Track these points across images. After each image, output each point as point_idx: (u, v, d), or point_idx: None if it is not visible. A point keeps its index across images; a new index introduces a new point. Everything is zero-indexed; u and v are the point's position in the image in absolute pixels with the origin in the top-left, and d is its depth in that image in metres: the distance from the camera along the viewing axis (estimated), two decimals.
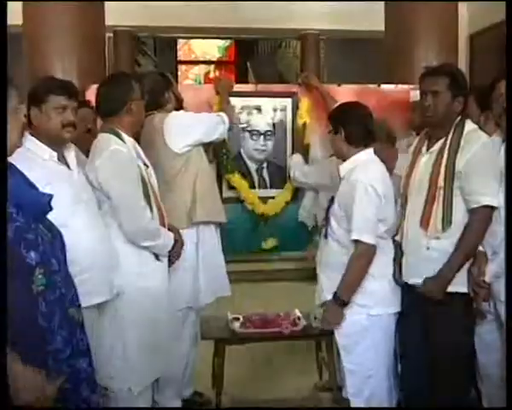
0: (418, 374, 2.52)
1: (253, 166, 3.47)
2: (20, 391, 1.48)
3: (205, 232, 2.97)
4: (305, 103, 3.45)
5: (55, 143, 2.34)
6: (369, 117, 2.53)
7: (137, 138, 2.76)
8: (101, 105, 2.61)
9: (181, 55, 11.44)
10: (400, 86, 3.66)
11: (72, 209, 2.30)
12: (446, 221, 2.37)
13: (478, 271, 2.41)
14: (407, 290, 2.50)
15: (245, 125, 3.43)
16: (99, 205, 2.49)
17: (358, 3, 7.43)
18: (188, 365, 3.08)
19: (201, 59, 11.55)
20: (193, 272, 2.93)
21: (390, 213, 2.50)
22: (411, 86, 3.44)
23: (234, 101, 3.30)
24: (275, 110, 3.48)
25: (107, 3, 4.53)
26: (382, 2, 4.93)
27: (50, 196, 1.72)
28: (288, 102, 3.48)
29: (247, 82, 7.26)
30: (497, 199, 2.34)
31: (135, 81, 2.63)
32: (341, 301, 2.44)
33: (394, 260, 2.52)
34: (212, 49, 11.47)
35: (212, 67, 11.58)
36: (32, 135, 2.31)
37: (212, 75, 11.31)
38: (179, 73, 11.25)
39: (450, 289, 2.39)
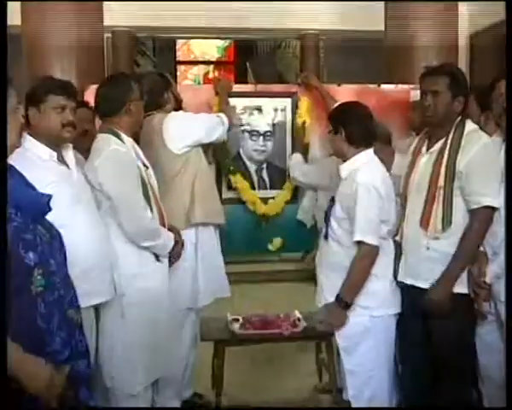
0: (418, 375, 2.52)
1: (252, 167, 3.47)
2: (28, 379, 1.48)
3: (204, 233, 2.97)
4: (304, 103, 3.44)
5: (55, 143, 2.34)
6: (370, 117, 2.52)
7: (136, 139, 2.76)
8: (101, 105, 2.61)
9: (180, 56, 11.43)
10: (400, 86, 3.66)
11: (72, 209, 2.30)
12: (446, 221, 2.37)
13: (478, 271, 2.41)
14: (407, 291, 2.50)
15: (244, 126, 3.43)
16: (98, 205, 2.49)
17: (358, 3, 7.42)
18: (187, 366, 3.07)
19: (200, 59, 11.55)
20: (192, 272, 2.92)
21: (391, 213, 2.49)
22: (411, 86, 3.44)
23: (233, 101, 3.29)
24: (274, 110, 3.47)
25: (105, 4, 4.52)
26: (382, 2, 4.92)
27: (49, 197, 1.72)
28: (287, 102, 3.47)
29: (246, 82, 7.23)
30: (498, 200, 2.33)
31: (134, 82, 2.64)
32: (344, 302, 2.43)
33: (396, 260, 2.52)
34: (211, 49, 11.47)
35: (212, 67, 11.57)
36: (31, 135, 2.30)
37: (211, 75, 11.31)
38: (178, 74, 11.24)
39: None
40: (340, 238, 2.47)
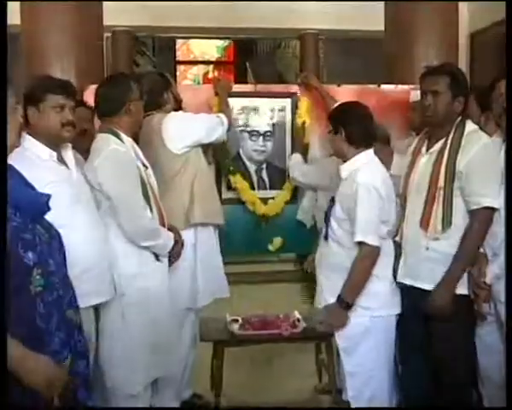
0: (418, 376, 2.52)
1: (252, 167, 3.46)
2: (29, 375, 1.49)
3: (203, 233, 2.96)
4: (304, 103, 3.44)
5: (54, 143, 2.33)
6: (370, 117, 2.52)
7: (136, 139, 2.75)
8: (100, 105, 2.61)
9: (179, 56, 11.41)
10: (400, 86, 3.65)
11: (72, 209, 2.29)
12: (446, 222, 2.37)
13: (478, 272, 2.41)
14: (406, 292, 2.49)
15: (244, 126, 3.42)
16: (97, 205, 2.48)
17: (358, 3, 7.42)
18: (186, 366, 3.07)
19: (200, 59, 11.52)
20: (191, 273, 2.92)
21: (392, 213, 2.49)
22: (411, 86, 3.43)
23: (233, 101, 3.28)
24: (274, 110, 3.47)
25: (105, 3, 4.51)
26: (382, 2, 4.91)
27: (48, 196, 1.72)
28: (287, 102, 3.47)
29: (246, 82, 7.21)
30: (498, 200, 2.33)
31: (133, 81, 2.64)
32: (346, 303, 2.42)
33: (395, 260, 2.51)
34: (210, 49, 11.44)
35: (211, 67, 11.56)
36: (30, 135, 2.29)
37: (210, 75, 11.29)
38: (178, 74, 11.22)
39: None
40: (340, 239, 2.47)
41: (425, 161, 2.49)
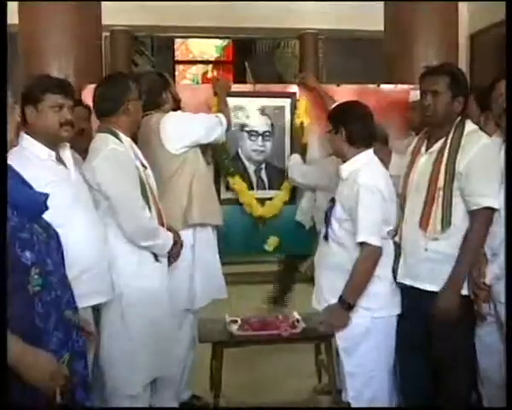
0: (418, 376, 2.51)
1: (251, 167, 3.45)
2: (29, 370, 1.48)
3: (201, 234, 2.96)
4: (303, 103, 3.43)
5: (53, 142, 2.32)
6: (370, 117, 2.51)
7: (135, 139, 2.75)
8: (99, 105, 2.61)
9: (178, 55, 11.40)
10: (400, 86, 3.64)
11: (71, 209, 2.29)
12: (446, 222, 2.36)
13: (478, 272, 2.40)
14: (406, 292, 2.49)
15: (243, 126, 3.41)
16: (96, 205, 2.48)
17: (357, 3, 7.41)
18: (185, 367, 3.07)
19: (199, 59, 11.51)
20: (189, 274, 2.91)
21: (393, 213, 2.48)
22: (411, 86, 3.42)
23: (232, 101, 3.27)
24: (273, 110, 3.45)
25: (103, 2, 4.50)
26: (382, 2, 4.91)
27: (46, 196, 1.72)
28: (286, 102, 3.46)
29: (245, 82, 7.21)
30: (498, 200, 2.32)
31: (132, 81, 2.64)
32: (348, 304, 2.41)
33: (395, 260, 2.51)
34: (209, 48, 11.43)
35: (210, 66, 11.55)
36: (28, 134, 2.29)
37: (209, 75, 11.29)
38: (177, 73, 11.21)
39: None
40: (340, 239, 2.46)
41: (424, 161, 2.48)
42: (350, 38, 8.38)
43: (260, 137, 3.45)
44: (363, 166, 2.44)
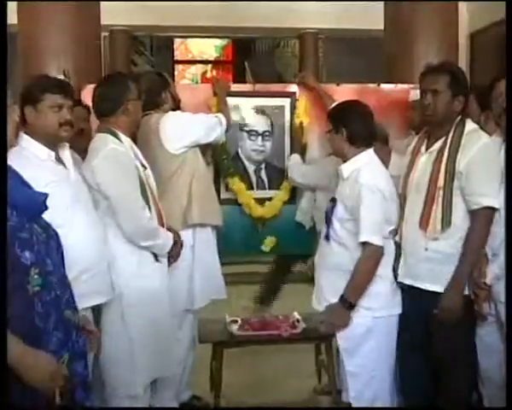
0: (418, 376, 2.51)
1: (251, 167, 3.44)
2: (29, 372, 1.48)
3: (201, 234, 2.95)
4: (302, 103, 3.42)
5: (52, 143, 2.32)
6: (371, 116, 2.51)
7: (134, 139, 2.74)
8: (98, 105, 2.60)
9: (178, 55, 11.40)
10: (400, 86, 3.63)
11: (71, 209, 2.28)
12: (446, 222, 2.36)
13: (478, 272, 2.40)
14: (407, 292, 2.49)
15: (243, 126, 3.40)
16: (95, 205, 2.47)
17: (357, 2, 7.41)
18: (185, 368, 3.06)
19: (198, 58, 11.52)
20: (188, 274, 2.91)
21: (394, 213, 2.48)
22: (411, 86, 3.42)
23: (231, 101, 3.27)
24: (273, 110, 3.45)
25: (102, 2, 4.50)
26: (382, 2, 4.91)
27: (46, 196, 1.71)
28: (286, 101, 3.45)
29: (244, 82, 7.21)
30: (499, 200, 2.32)
31: (131, 81, 2.63)
32: (349, 303, 2.41)
33: (395, 260, 2.50)
34: (209, 48, 11.43)
35: (210, 66, 11.55)
36: (27, 134, 2.28)
37: (209, 75, 11.29)
38: (176, 73, 11.21)
39: None
40: (342, 239, 2.45)
41: (424, 161, 2.48)
42: (350, 37, 8.39)
43: (260, 137, 3.44)
44: (364, 166, 2.43)
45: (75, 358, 1.72)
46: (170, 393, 2.95)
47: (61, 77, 3.44)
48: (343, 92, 3.35)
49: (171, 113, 2.94)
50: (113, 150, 2.47)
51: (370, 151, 2.49)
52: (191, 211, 2.88)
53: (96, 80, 2.77)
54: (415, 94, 3.07)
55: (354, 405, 2.52)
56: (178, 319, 2.92)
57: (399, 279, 2.48)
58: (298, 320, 3.28)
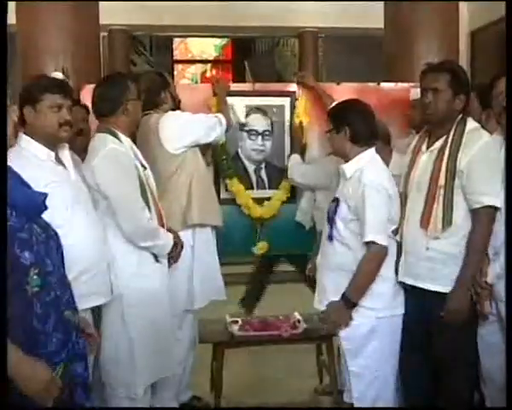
0: (419, 376, 2.51)
1: (251, 167, 3.44)
2: (25, 381, 1.48)
3: (201, 235, 2.95)
4: (302, 102, 3.41)
5: (52, 143, 2.31)
6: (372, 115, 2.50)
7: (133, 139, 2.73)
8: (98, 105, 2.60)
9: (177, 55, 11.39)
10: (400, 84, 3.63)
11: (71, 210, 2.28)
12: (447, 221, 2.35)
13: (480, 272, 2.38)
14: (407, 291, 2.48)
15: (243, 125, 3.40)
16: (95, 205, 2.46)
17: (357, 1, 7.41)
18: (186, 368, 3.06)
19: (198, 58, 11.51)
20: (188, 274, 2.91)
21: (397, 212, 2.47)
22: (411, 84, 3.41)
23: (231, 100, 3.26)
24: (273, 110, 3.44)
25: (101, 2, 4.49)
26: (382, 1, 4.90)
27: (45, 196, 1.71)
28: (286, 101, 3.44)
29: (244, 81, 7.19)
30: (500, 199, 2.31)
31: (131, 81, 2.63)
32: (351, 302, 2.40)
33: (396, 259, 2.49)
34: (208, 47, 11.42)
35: (209, 66, 11.54)
36: (27, 134, 2.27)
37: (208, 74, 11.28)
38: (175, 73, 11.20)
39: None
40: (345, 239, 2.44)
41: (425, 159, 2.47)
42: (350, 36, 8.38)
43: (260, 137, 3.43)
44: (367, 165, 2.42)
45: (75, 359, 1.72)
46: (170, 393, 2.94)
47: (60, 74, 3.43)
48: (343, 91, 3.35)
49: (170, 113, 2.93)
50: (112, 150, 2.47)
51: (372, 150, 2.48)
52: (191, 211, 2.88)
53: (95, 80, 2.77)
54: (415, 93, 3.07)
55: (357, 405, 2.51)
56: (178, 320, 2.92)
57: (400, 278, 2.47)
58: (299, 321, 3.27)
